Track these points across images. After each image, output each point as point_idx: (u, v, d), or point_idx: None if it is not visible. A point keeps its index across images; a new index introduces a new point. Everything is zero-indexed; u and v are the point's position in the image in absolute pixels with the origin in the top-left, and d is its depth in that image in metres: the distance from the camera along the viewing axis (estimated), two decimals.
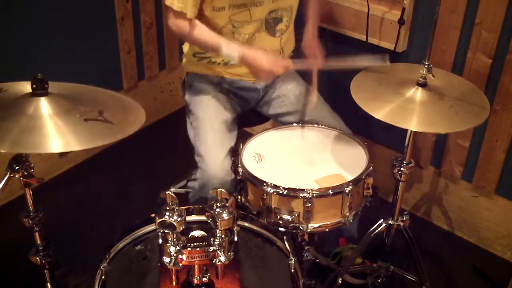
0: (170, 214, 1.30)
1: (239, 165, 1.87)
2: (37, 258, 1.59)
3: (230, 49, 1.90)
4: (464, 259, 2.45)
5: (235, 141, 2.04)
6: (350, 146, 1.98)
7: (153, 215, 1.35)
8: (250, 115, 2.24)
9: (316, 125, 2.06)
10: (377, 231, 2.00)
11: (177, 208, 1.32)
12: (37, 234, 1.57)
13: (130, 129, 1.44)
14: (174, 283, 1.39)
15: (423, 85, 1.75)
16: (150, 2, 2.93)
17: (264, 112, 2.23)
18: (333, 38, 2.50)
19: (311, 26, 2.15)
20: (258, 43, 2.04)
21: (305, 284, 1.95)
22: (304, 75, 2.22)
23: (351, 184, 1.76)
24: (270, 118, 2.28)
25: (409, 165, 1.88)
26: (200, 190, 1.96)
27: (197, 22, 1.93)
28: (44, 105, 1.41)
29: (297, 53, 2.19)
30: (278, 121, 2.21)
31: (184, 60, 2.20)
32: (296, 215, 1.76)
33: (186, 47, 2.16)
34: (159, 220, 1.31)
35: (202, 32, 1.94)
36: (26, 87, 1.46)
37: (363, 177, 1.82)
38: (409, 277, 2.17)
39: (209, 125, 2.03)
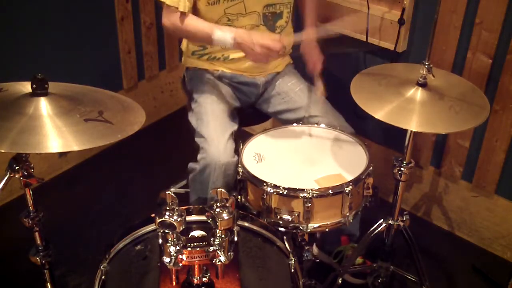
0: (170, 214, 1.31)
1: (239, 165, 1.87)
2: (37, 258, 1.59)
3: (223, 31, 1.88)
4: (464, 259, 2.45)
5: (237, 128, 2.04)
6: (350, 146, 1.98)
7: (153, 215, 1.35)
8: (250, 113, 2.25)
9: (316, 125, 2.06)
10: (377, 231, 2.00)
11: (177, 208, 1.32)
12: (37, 234, 1.57)
13: (130, 129, 1.45)
14: (174, 283, 1.40)
15: (423, 85, 1.75)
16: (150, 2, 2.93)
17: (264, 109, 2.23)
18: (333, 38, 2.49)
19: (310, 31, 2.16)
20: None
21: (305, 284, 1.95)
22: (304, 73, 2.23)
23: (351, 184, 1.76)
24: (270, 116, 2.29)
25: (409, 165, 1.88)
26: (203, 170, 1.94)
27: (191, 15, 1.94)
28: (44, 105, 1.41)
29: (296, 50, 2.20)
30: (278, 119, 2.22)
31: (183, 57, 2.21)
32: (296, 215, 1.76)
33: (184, 45, 2.17)
34: (159, 220, 1.31)
35: (194, 22, 1.94)
36: (26, 87, 1.46)
37: (363, 177, 1.82)
38: (409, 277, 2.17)
39: (211, 110, 2.03)
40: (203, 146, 1.96)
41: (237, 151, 1.95)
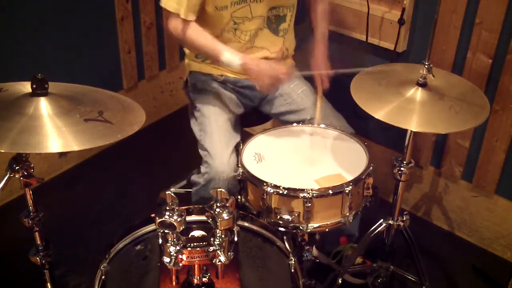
0: (170, 214, 1.31)
1: (239, 165, 1.87)
2: (37, 258, 1.59)
3: (232, 54, 1.88)
4: (464, 259, 2.45)
5: (240, 138, 2.05)
6: (350, 146, 1.98)
7: (153, 215, 1.35)
8: (251, 114, 2.24)
9: (316, 125, 2.06)
10: (377, 231, 2.00)
11: (177, 208, 1.32)
12: (37, 234, 1.57)
13: (130, 129, 1.44)
14: (174, 283, 1.40)
15: (423, 85, 1.75)
16: (150, 2, 2.93)
17: (266, 111, 2.23)
18: (333, 38, 2.49)
19: (321, 46, 2.15)
20: (261, 41, 2.04)
21: (305, 284, 1.95)
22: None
23: (351, 184, 1.76)
24: (272, 118, 2.29)
25: (409, 165, 1.88)
26: (206, 185, 1.95)
27: (194, 24, 1.91)
28: (44, 105, 1.41)
29: (299, 51, 2.19)
30: (279, 120, 2.21)
31: (186, 60, 2.19)
32: (296, 215, 1.76)
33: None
34: (159, 220, 1.31)
35: (199, 36, 1.92)
36: (26, 87, 1.46)
37: (363, 177, 1.82)
38: (409, 277, 2.17)
39: (215, 121, 2.03)
40: (207, 160, 1.96)
41: (237, 151, 1.95)
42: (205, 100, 2.10)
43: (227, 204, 1.34)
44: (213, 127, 2.01)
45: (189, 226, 1.46)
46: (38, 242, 1.58)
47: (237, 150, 1.96)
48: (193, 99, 2.15)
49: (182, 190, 2.23)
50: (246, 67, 1.90)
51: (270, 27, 2.04)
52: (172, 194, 1.32)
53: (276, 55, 2.08)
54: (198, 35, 1.92)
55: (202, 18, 1.95)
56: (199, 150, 2.02)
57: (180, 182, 2.42)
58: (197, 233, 1.45)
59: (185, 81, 2.23)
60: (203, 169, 1.98)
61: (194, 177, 2.05)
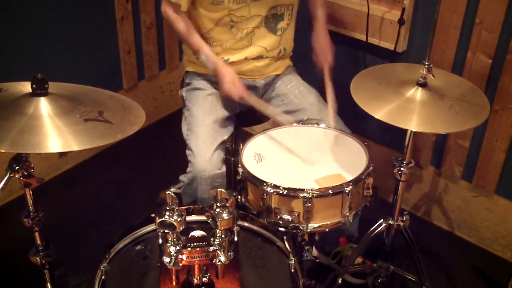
0: (170, 214, 1.31)
1: (239, 165, 1.87)
2: (37, 258, 1.59)
3: (208, 58, 1.99)
4: (464, 259, 2.45)
5: (228, 136, 2.07)
6: (350, 146, 1.98)
7: (153, 215, 1.35)
8: (249, 114, 2.24)
9: (316, 125, 2.06)
10: (377, 231, 2.00)
11: (177, 208, 1.32)
12: (37, 234, 1.57)
13: (130, 129, 1.45)
14: (174, 283, 1.40)
15: (423, 85, 1.75)
16: (150, 2, 2.93)
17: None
18: (333, 38, 2.49)
19: (321, 22, 2.15)
20: (258, 40, 2.05)
21: (305, 284, 1.95)
22: (304, 76, 2.23)
23: (351, 184, 1.76)
24: (269, 118, 2.28)
25: (409, 165, 1.88)
26: (190, 183, 1.98)
27: (186, 19, 2.01)
28: (44, 105, 1.41)
29: (301, 53, 2.19)
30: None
31: (184, 59, 2.21)
32: (296, 215, 1.76)
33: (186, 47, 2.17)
34: (159, 220, 1.31)
35: (187, 31, 2.02)
36: (26, 87, 1.46)
37: (363, 177, 1.82)
38: (409, 277, 2.17)
39: (202, 120, 2.04)
40: (190, 159, 1.99)
41: (237, 151, 1.95)
42: (196, 100, 2.11)
43: (227, 204, 1.34)
44: (200, 126, 2.03)
45: (189, 226, 1.46)
46: (38, 242, 1.58)
47: (235, 152, 1.96)
48: (185, 99, 2.16)
49: None
50: (216, 73, 2.01)
51: (267, 26, 2.04)
52: (172, 194, 1.32)
53: (272, 54, 2.09)
54: (187, 31, 2.02)
55: (197, 12, 1.99)
56: (186, 150, 2.04)
57: (180, 182, 2.42)
58: (197, 233, 1.45)
59: (182, 80, 2.24)
60: (188, 168, 2.00)
61: (181, 177, 2.08)
